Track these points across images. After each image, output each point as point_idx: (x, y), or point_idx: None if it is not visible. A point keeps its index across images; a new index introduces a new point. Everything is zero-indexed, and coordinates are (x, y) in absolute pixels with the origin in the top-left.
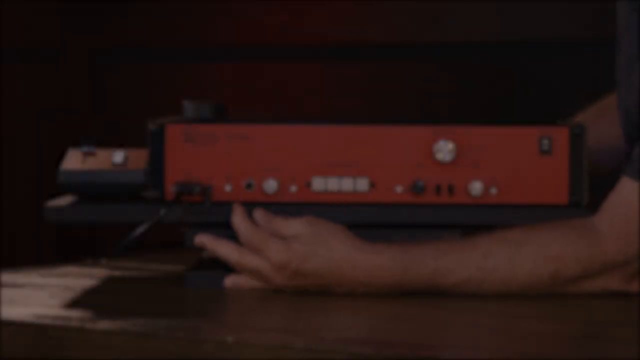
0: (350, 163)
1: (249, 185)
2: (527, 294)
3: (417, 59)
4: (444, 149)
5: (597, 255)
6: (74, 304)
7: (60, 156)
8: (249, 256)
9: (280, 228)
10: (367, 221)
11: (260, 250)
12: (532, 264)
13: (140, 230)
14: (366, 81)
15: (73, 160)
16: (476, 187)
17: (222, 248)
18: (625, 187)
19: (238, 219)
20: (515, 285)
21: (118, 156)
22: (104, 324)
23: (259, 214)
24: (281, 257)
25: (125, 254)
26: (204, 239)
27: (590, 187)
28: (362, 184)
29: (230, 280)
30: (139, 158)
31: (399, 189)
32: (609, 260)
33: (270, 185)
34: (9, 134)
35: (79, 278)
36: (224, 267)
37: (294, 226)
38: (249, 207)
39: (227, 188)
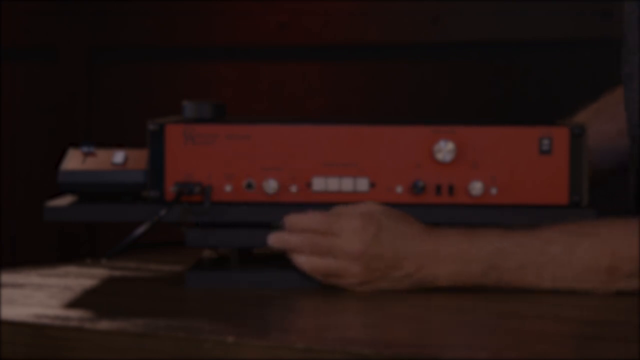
0: (350, 163)
1: (249, 185)
2: (582, 290)
3: (416, 59)
4: (444, 149)
5: None
6: (73, 304)
7: (60, 156)
8: (324, 235)
9: (347, 208)
10: None
11: (336, 223)
12: (590, 256)
13: (139, 231)
14: (366, 81)
15: (73, 160)
16: (476, 187)
17: (293, 236)
18: None
19: (295, 217)
20: (571, 276)
21: (118, 156)
22: (103, 324)
23: (314, 214)
24: (361, 222)
25: (126, 252)
26: (278, 239)
27: (591, 187)
28: (362, 184)
29: (274, 237)
30: (139, 158)
31: (399, 189)
32: None
33: (270, 185)
34: (9, 134)
35: (79, 278)
36: (224, 267)
37: (363, 205)
38: (249, 207)
39: (227, 188)
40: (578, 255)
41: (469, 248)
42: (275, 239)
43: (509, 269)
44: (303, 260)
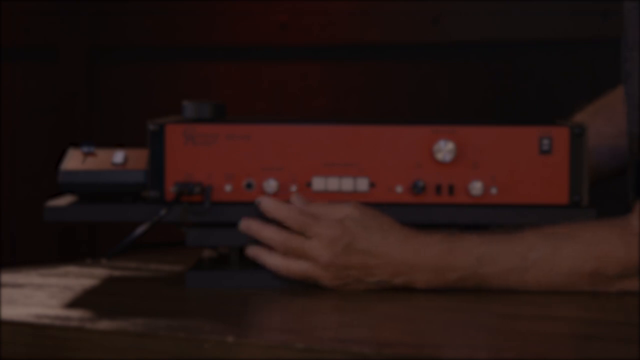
0: (350, 163)
1: (249, 185)
2: (569, 290)
3: (416, 59)
4: (444, 149)
5: (635, 257)
6: (73, 304)
7: (60, 156)
8: (296, 236)
9: (327, 210)
10: None
11: (312, 227)
12: (573, 261)
13: (139, 231)
14: (366, 81)
15: (73, 160)
16: (476, 187)
17: (267, 230)
18: None
19: (274, 206)
20: (556, 280)
21: (118, 156)
22: (104, 324)
23: (298, 198)
24: (334, 232)
25: (126, 252)
26: (249, 224)
27: (591, 187)
28: (362, 184)
29: (251, 249)
30: (139, 158)
31: (399, 189)
32: None
33: (270, 185)
34: (9, 134)
35: (79, 278)
36: (224, 267)
37: (343, 208)
38: (249, 207)
39: (227, 188)
40: (561, 260)
41: (448, 259)
42: (246, 226)
43: (491, 275)
44: (277, 263)
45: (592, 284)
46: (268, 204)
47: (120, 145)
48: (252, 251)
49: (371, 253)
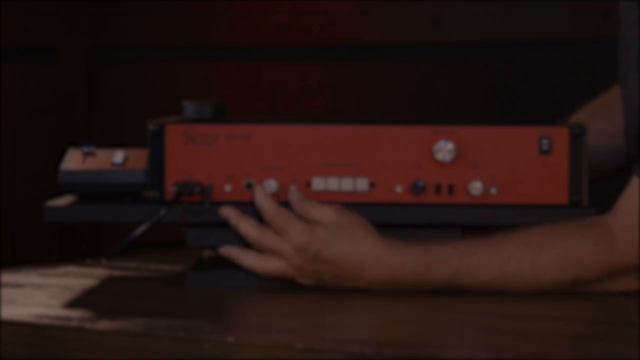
0: (350, 163)
1: (249, 185)
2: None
3: (416, 59)
4: (444, 149)
5: (615, 260)
6: (73, 303)
7: (60, 156)
8: (270, 235)
9: (308, 210)
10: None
11: (283, 230)
12: (554, 270)
13: (139, 231)
14: (366, 81)
15: (73, 160)
16: (476, 187)
17: (244, 224)
18: (637, 188)
19: (261, 198)
20: (537, 289)
21: (118, 156)
22: (103, 324)
23: (293, 193)
24: (302, 239)
25: (126, 252)
26: (229, 212)
27: (591, 186)
28: (362, 184)
29: (225, 249)
30: (139, 158)
31: (399, 189)
32: (627, 263)
33: (270, 185)
34: (9, 134)
35: (79, 278)
36: (224, 267)
37: (322, 211)
38: (249, 207)
39: (227, 188)
40: (540, 270)
41: (424, 275)
42: (226, 213)
43: (470, 286)
44: (252, 262)
45: (573, 288)
46: (258, 192)
47: (120, 145)
48: (226, 250)
49: (340, 264)
